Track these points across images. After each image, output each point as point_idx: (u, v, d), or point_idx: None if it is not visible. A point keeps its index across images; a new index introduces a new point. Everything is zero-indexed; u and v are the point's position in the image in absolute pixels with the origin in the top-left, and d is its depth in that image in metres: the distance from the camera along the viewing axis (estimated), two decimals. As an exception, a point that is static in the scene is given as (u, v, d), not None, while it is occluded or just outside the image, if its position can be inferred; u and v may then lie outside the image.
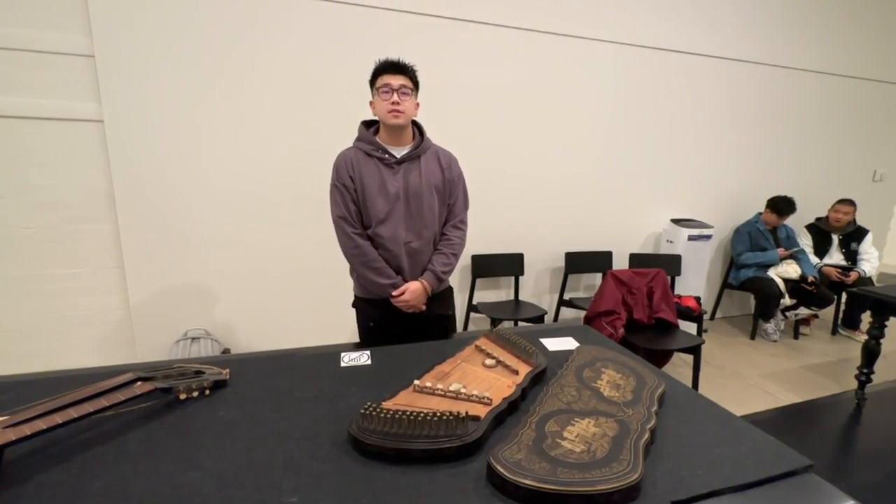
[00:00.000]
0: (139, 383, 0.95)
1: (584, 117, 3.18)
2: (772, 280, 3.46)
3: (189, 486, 0.73)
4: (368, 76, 1.45)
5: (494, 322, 2.84)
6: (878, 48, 3.97)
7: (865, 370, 2.49)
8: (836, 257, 3.70)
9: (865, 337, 2.50)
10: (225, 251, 2.57)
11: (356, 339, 1.63)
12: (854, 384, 2.57)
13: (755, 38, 3.49)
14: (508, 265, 3.16)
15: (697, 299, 3.08)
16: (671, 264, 3.30)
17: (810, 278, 3.38)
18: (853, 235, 3.65)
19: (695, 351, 2.50)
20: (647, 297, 2.60)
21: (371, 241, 1.49)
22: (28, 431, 0.75)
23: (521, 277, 3.20)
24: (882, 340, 2.45)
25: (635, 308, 2.56)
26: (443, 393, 0.96)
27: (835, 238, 3.69)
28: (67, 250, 2.36)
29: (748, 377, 2.86)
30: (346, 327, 2.65)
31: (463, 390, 0.95)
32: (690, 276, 3.39)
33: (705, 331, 3.34)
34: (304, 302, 2.77)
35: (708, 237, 3.41)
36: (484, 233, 3.01)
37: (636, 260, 3.40)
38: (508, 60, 2.89)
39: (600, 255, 3.40)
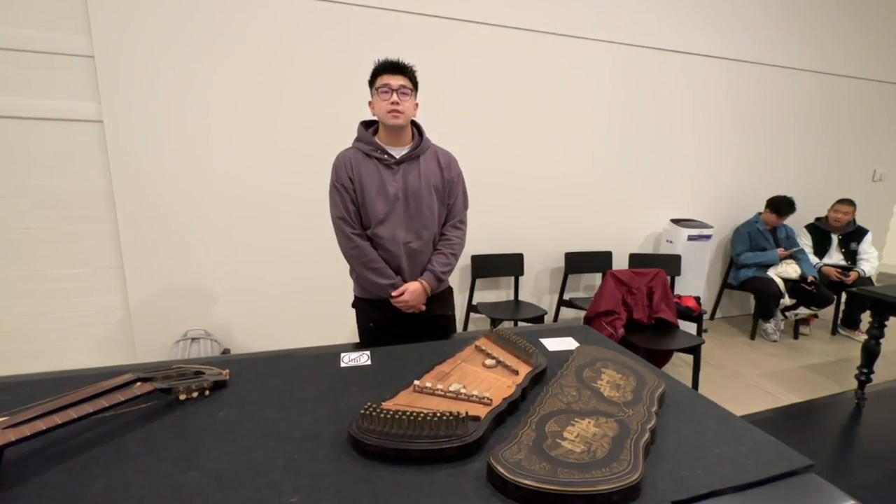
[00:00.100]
0: (139, 384, 0.95)
1: (583, 117, 3.18)
2: (771, 280, 3.46)
3: (189, 487, 0.73)
4: (367, 76, 1.45)
5: (494, 322, 2.84)
6: (878, 48, 3.97)
7: (865, 370, 2.49)
8: (835, 257, 3.70)
9: (865, 337, 2.50)
10: (225, 251, 2.57)
11: (356, 339, 1.63)
12: (854, 384, 2.57)
13: (755, 39, 3.50)
14: (508, 265, 3.16)
15: (697, 299, 3.08)
16: (671, 264, 3.30)
17: (810, 278, 3.38)
18: (853, 235, 3.65)
19: (695, 351, 2.50)
20: (646, 297, 2.60)
21: (370, 241, 1.49)
22: (28, 432, 0.75)
23: (520, 277, 3.20)
24: (882, 340, 2.45)
25: (635, 308, 2.56)
26: (443, 393, 0.95)
27: (834, 238, 3.69)
28: (67, 251, 2.36)
29: (748, 377, 2.86)
30: (345, 328, 2.65)
31: (463, 390, 0.95)
32: (690, 276, 3.39)
33: (705, 331, 3.35)
34: (304, 302, 2.77)
35: (708, 237, 3.41)
36: (484, 233, 3.01)
37: (636, 260, 3.41)
38: (508, 61, 2.89)
39: (600, 255, 3.40)
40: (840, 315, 3.68)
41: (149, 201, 2.40)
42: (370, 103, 1.46)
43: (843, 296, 3.58)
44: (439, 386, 0.97)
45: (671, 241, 3.44)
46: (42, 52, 2.14)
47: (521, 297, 3.23)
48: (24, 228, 2.27)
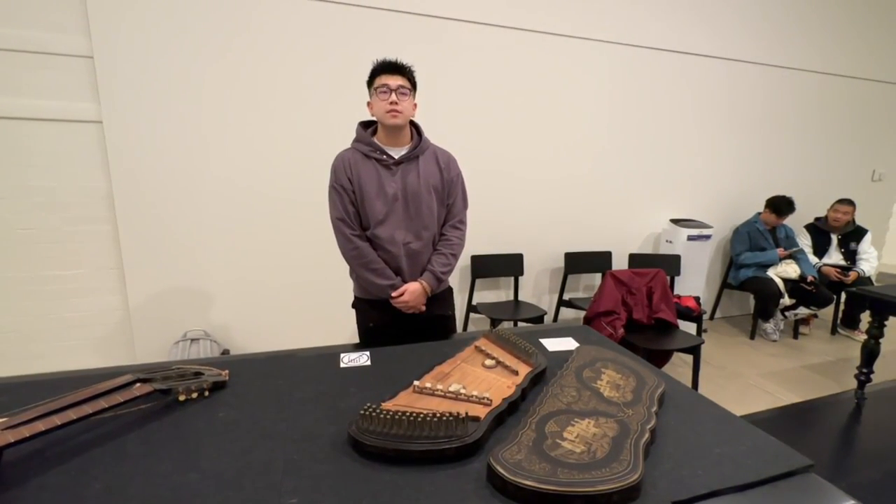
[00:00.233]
0: (138, 385, 0.95)
1: (583, 118, 3.18)
2: (771, 280, 3.46)
3: (188, 488, 0.73)
4: (366, 77, 1.45)
5: (494, 322, 2.84)
6: (877, 48, 3.98)
7: (865, 370, 2.49)
8: (835, 257, 3.70)
9: (865, 336, 2.50)
10: (224, 252, 2.57)
11: (356, 339, 1.62)
12: (853, 384, 2.57)
13: (754, 39, 3.50)
14: (508, 265, 3.16)
15: (697, 299, 3.08)
16: (671, 264, 3.30)
17: (809, 278, 3.38)
18: (852, 235, 3.65)
19: (694, 351, 2.50)
20: (646, 298, 2.60)
21: (370, 242, 1.49)
22: (27, 433, 0.75)
23: (520, 278, 3.20)
24: (881, 340, 2.45)
25: (635, 308, 2.56)
26: (442, 394, 0.95)
27: (834, 238, 3.69)
28: (66, 251, 2.36)
29: (748, 377, 2.86)
30: (345, 328, 2.65)
31: (463, 391, 0.95)
32: (690, 276, 3.39)
33: (705, 331, 3.35)
34: (304, 303, 2.77)
35: (707, 237, 3.42)
36: (483, 233, 3.01)
37: (636, 260, 3.41)
38: (508, 61, 2.90)
39: (600, 255, 3.40)
40: (840, 315, 3.68)
41: (148, 202, 2.40)
42: (369, 104, 1.46)
43: (843, 296, 3.58)
44: (439, 386, 0.97)
45: (671, 241, 3.44)
46: (41, 52, 2.14)
47: (520, 298, 3.23)
48: (24, 229, 2.27)
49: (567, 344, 1.36)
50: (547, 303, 3.41)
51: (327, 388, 1.07)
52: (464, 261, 3.03)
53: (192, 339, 2.47)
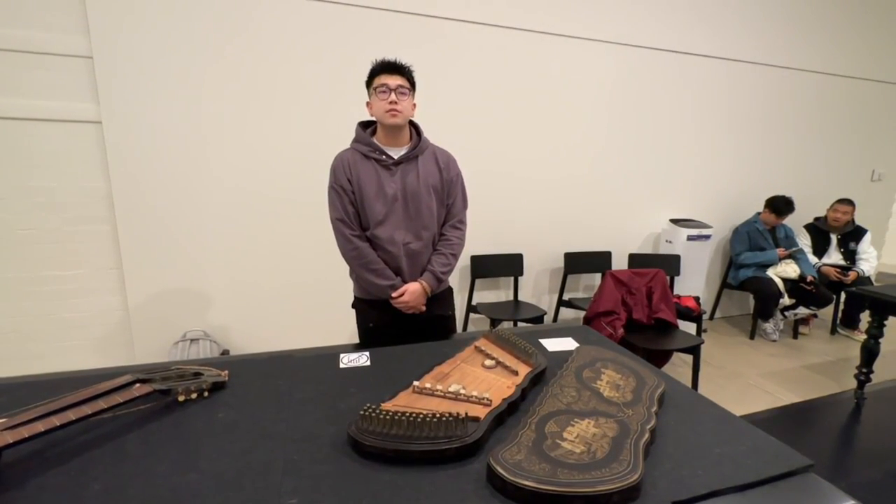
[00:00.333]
0: (137, 385, 0.95)
1: (583, 118, 3.18)
2: (771, 280, 3.46)
3: (188, 489, 0.73)
4: (365, 78, 1.45)
5: (494, 323, 2.84)
6: (877, 48, 3.98)
7: (865, 369, 2.50)
8: (834, 257, 3.70)
9: (864, 336, 2.50)
10: (224, 252, 2.57)
11: (356, 339, 1.62)
12: (853, 383, 2.57)
13: (753, 39, 3.50)
14: (508, 266, 3.16)
15: (697, 299, 3.08)
16: (670, 264, 3.30)
17: (809, 278, 3.38)
18: (852, 235, 3.65)
19: (694, 351, 2.50)
20: (646, 298, 2.60)
21: (370, 242, 1.49)
22: (26, 434, 0.75)
23: (520, 278, 3.20)
24: (881, 340, 2.45)
25: (635, 308, 2.56)
26: (442, 394, 0.95)
27: (833, 238, 3.69)
28: (66, 251, 2.35)
29: (748, 377, 2.86)
30: (345, 328, 2.65)
31: (462, 391, 0.95)
32: (689, 276, 3.39)
33: (705, 331, 3.35)
34: (304, 303, 2.77)
35: (707, 237, 3.42)
36: (483, 233, 3.01)
37: (635, 260, 3.41)
38: (508, 61, 2.90)
39: (599, 255, 3.40)
40: (839, 315, 3.68)
41: (148, 202, 2.40)
42: (368, 104, 1.46)
43: (843, 295, 3.58)
44: (439, 387, 0.97)
45: (670, 241, 3.44)
46: (40, 52, 2.14)
47: (520, 298, 3.23)
48: (23, 229, 2.27)
49: (567, 344, 1.36)
50: (547, 303, 3.41)
51: (327, 389, 1.07)
52: (463, 261, 3.03)
53: (192, 340, 2.47)
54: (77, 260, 2.38)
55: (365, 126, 1.51)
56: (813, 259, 3.67)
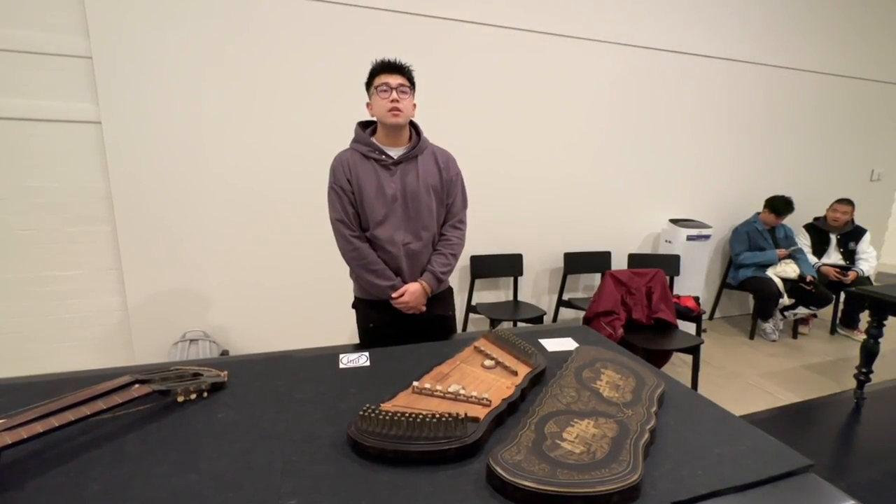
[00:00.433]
0: (137, 386, 0.95)
1: (582, 118, 3.18)
2: (770, 280, 3.46)
3: (187, 489, 0.73)
4: (365, 78, 1.45)
5: (493, 323, 2.84)
6: (876, 48, 3.98)
7: (864, 369, 2.50)
8: (834, 257, 3.70)
9: (864, 336, 2.50)
10: (223, 252, 2.57)
11: (356, 339, 1.62)
12: (853, 383, 2.57)
13: (753, 39, 3.50)
14: (507, 266, 3.16)
15: (696, 299, 3.08)
16: (670, 264, 3.30)
17: (809, 278, 3.38)
18: (851, 235, 3.66)
19: (694, 351, 2.50)
20: (646, 298, 2.60)
21: (370, 242, 1.49)
22: (25, 435, 0.75)
23: (519, 278, 3.20)
24: (881, 340, 2.45)
25: (634, 308, 2.56)
26: (442, 394, 0.95)
27: (833, 238, 3.69)
28: (65, 252, 2.35)
29: (747, 377, 2.86)
30: (346, 328, 2.65)
31: (462, 391, 0.95)
32: (689, 276, 3.39)
33: (704, 331, 3.35)
34: (304, 303, 2.77)
35: (706, 237, 3.42)
36: (483, 233, 3.01)
37: (635, 260, 3.41)
38: (507, 61, 2.90)
39: (599, 255, 3.40)
40: (839, 315, 3.69)
41: (147, 202, 2.39)
42: (368, 105, 1.46)
43: (842, 295, 3.58)
44: (438, 387, 0.97)
45: (670, 242, 3.44)
46: (40, 53, 2.14)
47: (520, 298, 3.23)
48: (23, 230, 2.27)
49: (566, 344, 1.36)
50: (546, 303, 3.41)
51: (326, 389, 1.07)
52: (463, 261, 3.03)
53: (192, 340, 2.47)
54: (76, 260, 2.38)
55: (364, 126, 1.51)
56: (812, 259, 3.67)
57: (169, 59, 2.30)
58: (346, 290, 1.63)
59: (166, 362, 1.30)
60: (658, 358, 2.59)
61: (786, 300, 3.43)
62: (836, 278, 3.52)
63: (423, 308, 1.53)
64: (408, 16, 2.62)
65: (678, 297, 3.02)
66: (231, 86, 2.41)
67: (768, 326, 3.49)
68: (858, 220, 3.69)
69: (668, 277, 2.85)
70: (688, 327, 2.91)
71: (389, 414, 0.82)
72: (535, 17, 2.88)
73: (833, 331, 3.69)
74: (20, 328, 2.36)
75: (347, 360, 1.22)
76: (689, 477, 0.76)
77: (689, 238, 3.35)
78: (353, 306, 1.62)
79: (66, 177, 2.28)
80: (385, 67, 1.40)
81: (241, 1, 2.35)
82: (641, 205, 3.53)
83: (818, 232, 3.75)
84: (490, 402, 0.92)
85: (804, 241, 3.75)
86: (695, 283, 3.43)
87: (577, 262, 3.31)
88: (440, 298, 1.60)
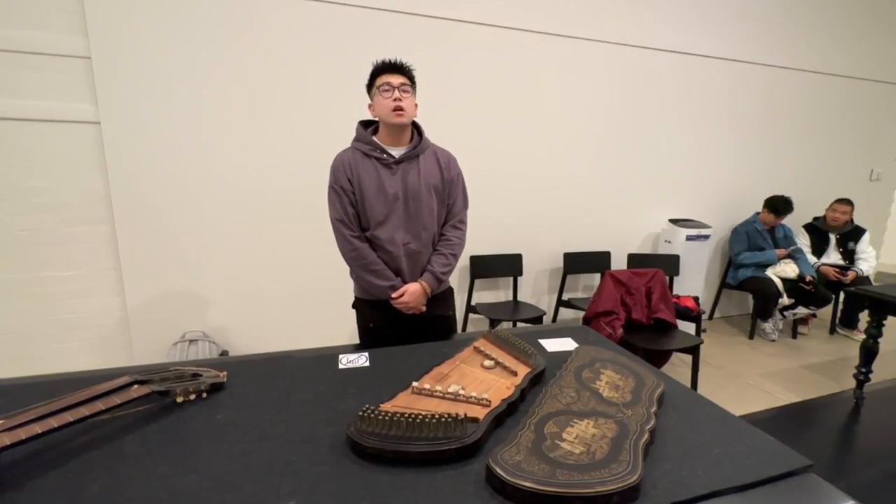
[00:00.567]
0: (136, 386, 0.95)
1: (582, 118, 3.19)
2: (770, 280, 3.46)
3: (186, 490, 0.72)
4: (365, 77, 1.45)
5: (493, 323, 2.83)
6: (875, 48, 3.99)
7: (864, 369, 2.50)
8: (833, 257, 3.70)
9: (863, 336, 2.50)
10: (223, 252, 2.57)
11: (356, 340, 1.62)
12: (852, 383, 2.57)
13: (752, 39, 3.50)
14: (507, 266, 3.16)
15: (696, 299, 3.08)
16: (669, 264, 3.30)
17: (808, 278, 3.38)
18: (851, 235, 3.66)
19: (693, 351, 2.50)
20: (645, 298, 2.60)
21: (370, 242, 1.49)
22: (23, 435, 0.75)
23: (519, 278, 3.20)
24: (880, 339, 2.45)
25: (634, 308, 2.56)
26: (441, 395, 0.95)
27: (832, 237, 3.70)
28: (64, 252, 2.35)
29: (747, 377, 2.87)
30: (346, 328, 2.65)
31: (462, 392, 0.95)
32: (689, 276, 3.39)
33: (704, 331, 3.35)
34: (304, 303, 2.77)
35: (706, 237, 3.42)
36: (482, 233, 3.01)
37: (634, 260, 3.41)
38: (507, 61, 2.90)
39: (599, 255, 3.40)
40: (838, 314, 3.69)
41: (146, 203, 2.39)
42: (370, 106, 1.46)
43: (842, 295, 3.58)
44: (438, 387, 0.97)
45: (669, 242, 3.44)
46: (39, 53, 2.13)
47: (519, 298, 3.23)
48: (22, 230, 2.27)
49: (566, 344, 1.36)
50: (546, 303, 3.41)
51: (326, 390, 1.07)
52: (463, 261, 3.03)
53: (191, 341, 2.46)
54: (76, 260, 2.38)
55: (366, 125, 1.51)
56: (812, 259, 3.68)
57: (168, 59, 2.30)
58: (346, 290, 1.63)
59: (165, 363, 1.30)
60: (658, 358, 2.59)
61: (785, 300, 3.43)
62: (835, 278, 3.52)
63: (423, 308, 1.53)
64: (407, 16, 2.62)
65: (678, 297, 3.02)
66: (231, 85, 2.41)
67: (768, 326, 3.49)
68: (858, 220, 3.70)
69: (667, 277, 2.85)
70: (687, 327, 2.91)
71: (389, 414, 0.81)
72: (535, 17, 2.88)
73: (832, 331, 3.70)
74: (19, 328, 2.35)
75: (347, 361, 1.22)
76: (688, 477, 0.76)
77: (689, 238, 3.35)
78: (354, 306, 1.62)
79: (65, 177, 2.28)
80: (386, 67, 1.40)
81: (241, 1, 2.35)
82: (641, 205, 3.53)
83: (817, 232, 3.75)
84: (490, 402, 0.92)
85: (803, 241, 3.75)
86: (694, 283, 3.43)
87: (576, 262, 3.31)
88: (440, 298, 1.60)
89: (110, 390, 0.92)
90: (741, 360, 3.13)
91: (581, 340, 1.38)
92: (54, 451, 0.82)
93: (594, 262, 3.38)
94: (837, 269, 3.57)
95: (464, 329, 3.11)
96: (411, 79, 1.43)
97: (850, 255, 3.65)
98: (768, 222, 3.59)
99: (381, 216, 1.45)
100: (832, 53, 3.82)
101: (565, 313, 3.37)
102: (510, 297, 3.23)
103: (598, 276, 3.47)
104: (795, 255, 3.55)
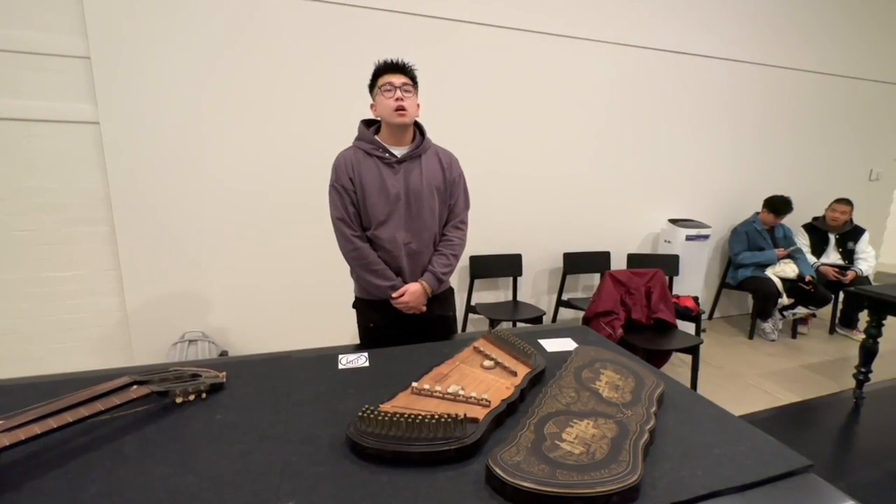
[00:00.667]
0: (135, 387, 0.95)
1: (582, 118, 3.19)
2: (770, 280, 3.47)
3: (186, 491, 0.72)
4: (365, 78, 1.45)
5: (493, 323, 2.83)
6: (874, 48, 3.99)
7: (863, 369, 2.50)
8: (833, 257, 3.71)
9: (863, 336, 2.51)
10: (223, 252, 2.57)
11: (356, 340, 1.62)
12: (852, 383, 2.58)
13: (752, 39, 3.51)
14: (507, 266, 3.16)
15: (696, 299, 3.08)
16: (669, 264, 3.30)
17: (808, 278, 3.38)
18: (850, 235, 3.66)
19: (693, 351, 2.50)
20: (645, 298, 2.60)
21: (370, 242, 1.49)
22: (23, 436, 0.75)
23: (519, 278, 3.20)
24: (879, 339, 2.46)
25: (634, 308, 2.56)
26: (441, 395, 0.95)
27: (832, 237, 3.70)
28: (64, 253, 2.35)
29: (747, 377, 2.87)
30: (346, 328, 2.64)
31: (461, 392, 0.95)
32: (688, 276, 3.39)
33: (703, 331, 3.35)
34: (304, 303, 2.77)
35: (706, 237, 3.42)
36: (482, 233, 3.00)
37: (634, 260, 3.41)
38: (506, 61, 2.90)
39: (598, 255, 3.40)
40: (838, 314, 3.69)
41: (146, 203, 2.39)
42: (372, 106, 1.46)
43: (841, 295, 3.59)
44: (437, 388, 0.97)
45: (669, 242, 3.44)
46: (38, 53, 2.13)
47: (519, 298, 3.23)
48: (21, 231, 2.26)
49: (566, 344, 1.36)
50: (546, 303, 3.41)
51: (325, 390, 1.06)
52: (462, 261, 3.02)
53: (190, 341, 2.46)
54: (75, 261, 2.37)
55: (368, 124, 1.51)
56: (811, 259, 3.68)
57: (167, 59, 2.29)
58: (346, 291, 1.63)
59: (165, 363, 1.30)
60: (657, 358, 2.59)
61: (785, 300, 3.43)
62: (835, 278, 3.52)
63: (424, 308, 1.53)
64: (407, 16, 2.62)
65: (677, 297, 3.02)
66: (230, 86, 2.41)
67: (767, 326, 3.49)
68: (857, 220, 3.70)
69: (667, 277, 2.85)
70: (687, 327, 2.91)
71: (388, 415, 0.81)
72: (535, 17, 2.88)
73: (832, 330, 3.70)
74: (19, 329, 2.35)
75: (347, 361, 1.22)
76: (688, 477, 0.76)
77: (689, 238, 3.35)
78: (354, 306, 1.62)
79: (64, 177, 2.28)
80: (388, 67, 1.40)
81: (240, 1, 2.35)
82: (640, 205, 3.53)
83: (817, 232, 3.75)
84: (489, 402, 0.92)
85: (803, 241, 3.75)
86: (694, 282, 3.43)
87: (576, 262, 3.31)
88: (440, 299, 1.60)
89: (110, 391, 0.92)
90: (741, 360, 3.13)
91: (581, 340, 1.38)
92: (54, 451, 0.82)
93: (594, 262, 3.38)
94: (837, 269, 3.57)
95: (463, 329, 3.11)
96: (413, 79, 1.43)
97: (849, 255, 3.65)
98: (768, 222, 3.59)
99: (383, 216, 1.45)
100: (831, 53, 3.82)
101: (565, 313, 3.37)
102: (510, 298, 3.23)
103: (597, 276, 3.47)
104: (795, 255, 3.55)
